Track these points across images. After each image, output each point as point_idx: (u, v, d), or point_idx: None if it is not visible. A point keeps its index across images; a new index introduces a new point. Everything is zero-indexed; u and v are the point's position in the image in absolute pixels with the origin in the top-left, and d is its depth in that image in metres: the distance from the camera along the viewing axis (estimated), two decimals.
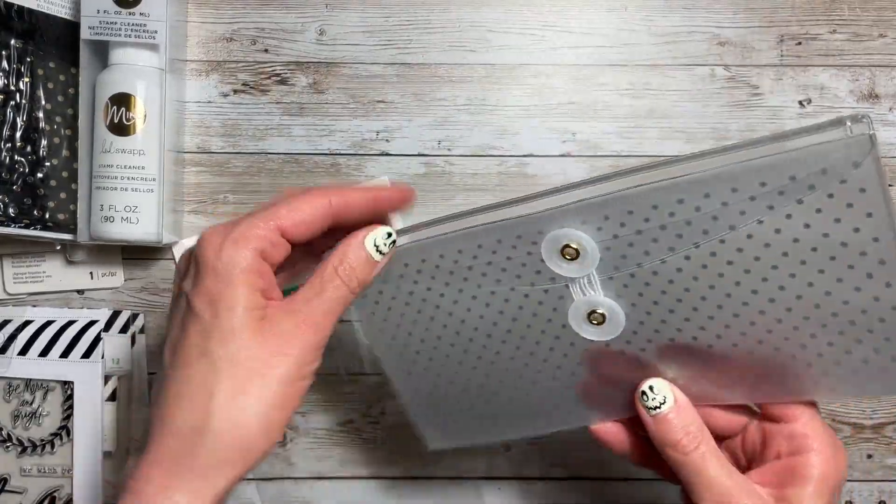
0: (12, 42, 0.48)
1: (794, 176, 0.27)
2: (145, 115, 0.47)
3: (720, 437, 0.37)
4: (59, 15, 0.49)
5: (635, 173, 0.30)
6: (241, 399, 0.30)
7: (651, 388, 0.34)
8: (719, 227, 0.29)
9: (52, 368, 0.50)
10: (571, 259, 0.32)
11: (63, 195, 0.50)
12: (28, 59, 0.48)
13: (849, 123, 0.26)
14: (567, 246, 0.32)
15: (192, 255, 0.32)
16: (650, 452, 0.37)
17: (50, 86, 0.49)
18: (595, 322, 0.34)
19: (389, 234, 0.34)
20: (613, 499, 0.53)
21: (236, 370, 0.30)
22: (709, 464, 0.33)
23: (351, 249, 0.33)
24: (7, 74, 0.48)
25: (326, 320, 0.32)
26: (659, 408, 0.34)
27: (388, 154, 0.52)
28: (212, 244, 0.31)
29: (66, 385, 0.50)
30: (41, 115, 0.49)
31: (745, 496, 0.32)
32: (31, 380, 0.50)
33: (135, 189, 0.47)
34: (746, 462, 0.37)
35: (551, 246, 0.32)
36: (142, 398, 0.52)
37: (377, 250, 0.33)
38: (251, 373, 0.30)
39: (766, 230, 0.29)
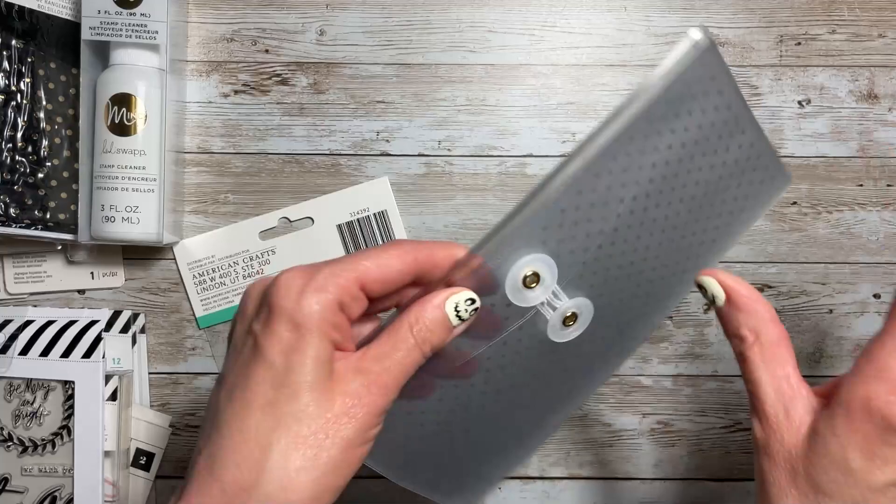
0: (13, 42, 0.48)
1: (671, 98, 0.30)
2: (146, 116, 0.47)
3: None
4: (59, 15, 0.49)
5: (553, 177, 0.30)
6: (297, 460, 0.28)
7: (700, 285, 0.35)
8: (644, 172, 0.32)
9: (52, 368, 0.50)
10: (534, 285, 0.32)
11: (64, 195, 0.50)
12: (29, 60, 0.48)
13: (691, 35, 0.30)
14: (526, 276, 0.31)
15: (263, 296, 0.30)
16: None
17: (51, 86, 0.49)
18: (569, 324, 0.34)
19: (472, 301, 0.31)
20: (614, 499, 0.53)
21: (299, 428, 0.28)
22: (759, 361, 0.34)
23: (429, 310, 0.30)
24: (8, 75, 0.48)
25: (395, 383, 0.30)
26: (714, 303, 0.35)
27: (388, 154, 0.52)
28: (291, 289, 0.29)
29: (67, 385, 0.50)
30: (42, 115, 0.49)
31: (798, 399, 0.33)
32: (31, 379, 0.51)
33: (135, 189, 0.47)
34: None
35: (513, 284, 0.32)
36: (142, 398, 0.52)
37: (457, 315, 0.31)
38: (314, 433, 0.28)
39: (676, 151, 0.31)
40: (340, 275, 0.30)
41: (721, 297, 0.34)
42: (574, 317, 0.34)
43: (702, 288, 0.35)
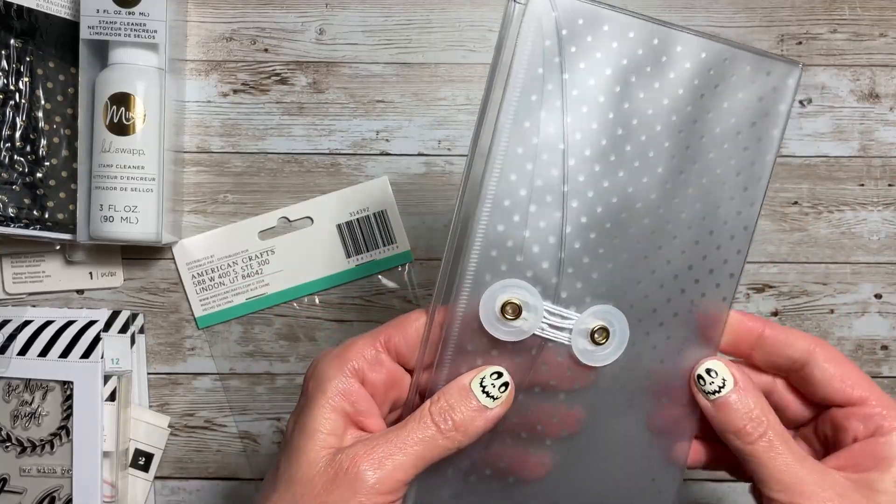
0: (12, 42, 0.48)
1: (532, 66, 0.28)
2: (145, 115, 0.47)
3: (791, 426, 0.34)
4: (58, 14, 0.49)
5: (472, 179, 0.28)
6: None
7: (708, 370, 0.30)
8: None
9: (51, 368, 0.50)
10: (513, 316, 0.28)
11: (62, 195, 0.49)
12: (28, 59, 0.48)
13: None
14: (504, 307, 0.28)
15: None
16: (715, 450, 0.34)
17: (49, 85, 0.49)
18: (602, 341, 0.30)
19: (500, 374, 0.29)
20: None
21: None
22: (777, 451, 0.29)
23: (453, 389, 0.28)
24: (6, 74, 0.48)
25: (405, 473, 0.27)
26: (719, 391, 0.30)
27: (388, 154, 0.52)
28: (314, 363, 0.30)
29: (66, 385, 0.50)
30: (41, 114, 0.49)
31: (821, 484, 0.28)
32: (30, 380, 0.50)
33: (134, 189, 0.47)
34: (822, 449, 0.33)
35: (491, 322, 0.28)
36: (141, 398, 0.52)
37: (484, 393, 0.28)
38: None
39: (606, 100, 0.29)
40: (358, 341, 0.29)
41: (731, 381, 0.30)
42: (604, 331, 0.29)
43: (701, 378, 0.31)
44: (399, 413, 0.32)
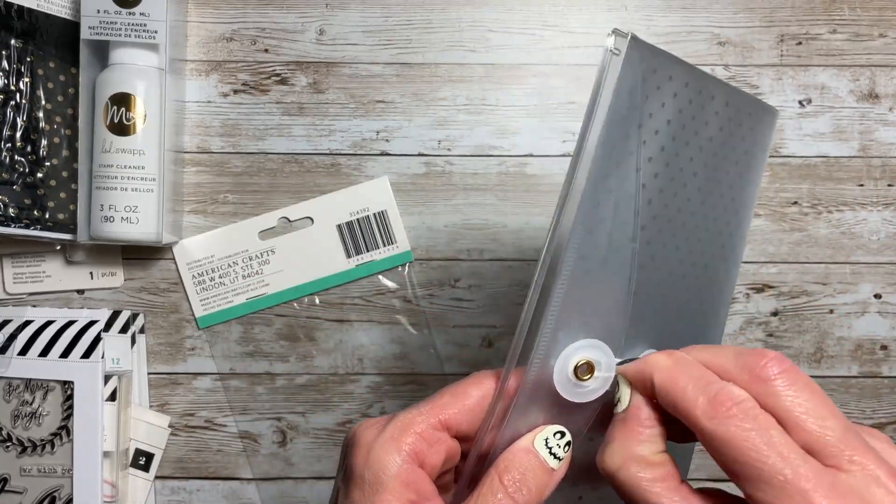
0: (12, 42, 0.48)
1: (619, 117, 0.27)
2: (145, 115, 0.47)
3: None
4: (59, 15, 0.49)
5: (553, 258, 0.27)
6: None
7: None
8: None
9: (52, 368, 0.50)
10: (588, 377, 0.28)
11: (63, 195, 0.50)
12: (28, 59, 0.48)
13: (606, 44, 0.27)
14: (577, 367, 0.27)
15: (344, 448, 0.28)
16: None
17: (50, 86, 0.49)
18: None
19: (562, 434, 0.27)
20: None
21: None
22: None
23: (519, 453, 0.27)
24: (7, 74, 0.48)
25: None
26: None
27: (388, 154, 0.52)
28: (362, 445, 0.27)
29: (66, 385, 0.50)
30: (41, 114, 0.49)
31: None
32: (30, 380, 0.50)
33: (135, 189, 0.47)
34: None
35: (565, 385, 0.28)
36: (141, 398, 0.52)
37: (551, 454, 0.27)
38: None
39: (659, 157, 0.29)
40: (414, 419, 0.27)
41: (624, 402, 0.28)
42: None
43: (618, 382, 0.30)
44: (451, 480, 0.30)
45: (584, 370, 0.27)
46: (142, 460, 0.52)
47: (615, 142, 0.27)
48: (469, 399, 0.28)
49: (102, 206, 0.47)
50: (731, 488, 0.26)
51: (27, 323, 0.51)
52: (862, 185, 0.53)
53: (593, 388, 0.28)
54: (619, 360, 0.28)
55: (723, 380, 0.25)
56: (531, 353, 0.27)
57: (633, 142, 0.27)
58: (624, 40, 0.26)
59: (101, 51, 0.48)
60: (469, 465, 0.29)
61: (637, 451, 0.26)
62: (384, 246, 0.52)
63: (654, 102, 0.28)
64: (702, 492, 0.25)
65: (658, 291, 0.30)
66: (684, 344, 0.29)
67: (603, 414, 0.29)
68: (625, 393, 0.27)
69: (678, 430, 0.28)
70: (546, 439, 0.27)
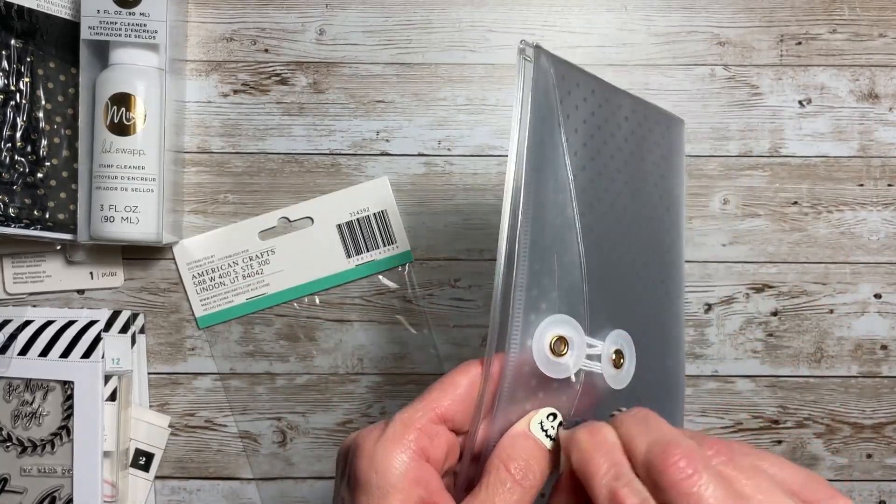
0: (12, 42, 0.48)
1: (538, 121, 0.30)
2: (145, 115, 0.47)
3: None
4: (59, 15, 0.49)
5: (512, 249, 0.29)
6: None
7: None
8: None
9: (52, 368, 0.50)
10: (565, 350, 0.29)
11: (63, 195, 0.50)
12: (28, 59, 0.48)
13: (517, 55, 0.31)
14: (552, 343, 0.29)
15: (346, 456, 0.28)
16: None
17: (50, 86, 0.49)
18: (621, 363, 0.31)
19: (554, 415, 0.28)
20: None
21: None
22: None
23: (518, 439, 0.27)
24: (7, 74, 0.48)
25: None
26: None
27: (388, 154, 0.52)
28: (365, 450, 0.27)
29: (66, 385, 0.50)
30: (41, 115, 0.49)
31: None
32: (31, 380, 0.50)
33: (135, 189, 0.47)
34: None
35: (544, 361, 0.29)
36: (141, 398, 0.52)
37: (546, 436, 0.28)
38: None
39: (582, 154, 0.32)
40: (412, 417, 0.27)
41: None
42: (620, 354, 0.31)
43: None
44: (452, 475, 0.31)
45: (560, 345, 0.29)
46: (142, 460, 0.52)
47: (543, 136, 0.29)
48: (459, 388, 0.28)
49: (102, 206, 0.47)
50: None
51: (27, 323, 0.51)
52: (862, 185, 0.53)
53: (571, 363, 0.29)
54: (590, 340, 0.30)
55: (633, 463, 0.25)
56: (507, 337, 0.28)
57: (558, 136, 0.30)
58: (531, 49, 0.30)
59: (102, 51, 0.48)
60: (466, 456, 0.29)
61: None
62: (384, 246, 0.52)
63: (569, 104, 0.31)
64: None
65: (610, 273, 0.32)
66: (647, 324, 0.32)
67: (585, 393, 0.30)
68: (563, 461, 0.28)
69: None
70: (541, 422, 0.28)
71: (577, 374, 0.29)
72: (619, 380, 0.31)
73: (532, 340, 0.28)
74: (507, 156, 0.52)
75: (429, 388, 0.29)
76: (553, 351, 0.29)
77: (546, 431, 0.28)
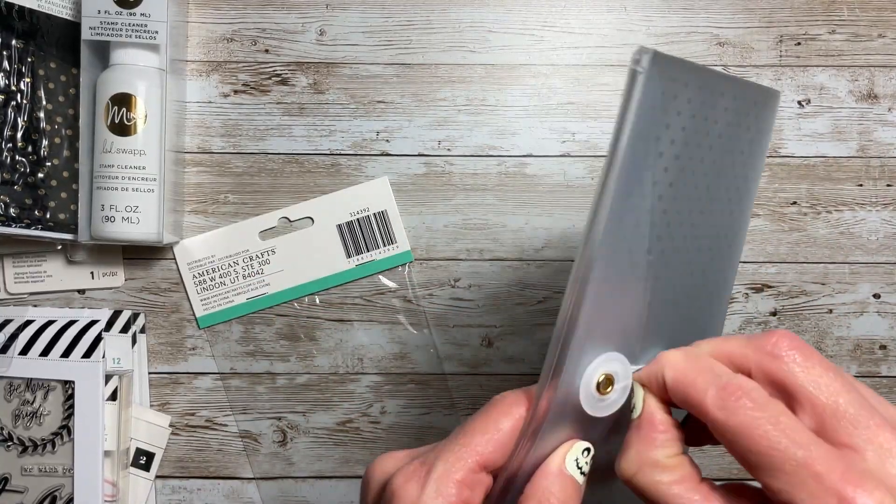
0: (13, 42, 0.48)
1: (641, 131, 0.27)
2: (146, 116, 0.47)
3: None
4: (60, 15, 0.49)
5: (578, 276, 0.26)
6: None
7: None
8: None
9: (52, 368, 0.50)
10: (609, 388, 0.27)
11: (64, 195, 0.50)
12: (29, 60, 0.48)
13: (631, 65, 0.27)
14: (599, 383, 0.27)
15: (381, 495, 0.27)
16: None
17: (51, 86, 0.49)
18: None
19: (589, 450, 0.27)
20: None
21: None
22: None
23: (553, 478, 0.26)
24: (8, 75, 0.48)
25: None
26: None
27: (388, 154, 0.52)
28: (393, 490, 0.26)
29: (67, 385, 0.50)
30: (42, 115, 0.49)
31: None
32: (31, 379, 0.51)
33: (135, 189, 0.47)
34: None
35: (590, 402, 0.27)
36: (142, 398, 0.52)
37: (581, 472, 0.27)
38: None
39: (674, 164, 0.29)
40: (456, 467, 0.26)
41: (638, 409, 0.28)
42: None
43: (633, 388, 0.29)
44: None
45: (605, 384, 0.27)
46: (142, 460, 0.52)
47: (637, 160, 0.27)
48: (500, 434, 0.27)
49: (103, 206, 0.47)
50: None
51: (28, 323, 0.51)
52: (861, 186, 0.53)
53: (614, 400, 0.28)
54: (635, 368, 0.28)
55: (735, 364, 0.25)
56: (560, 376, 0.26)
57: (652, 156, 0.27)
58: (647, 56, 0.25)
59: (102, 51, 0.48)
60: (497, 490, 0.28)
61: (652, 455, 0.26)
62: (384, 246, 0.52)
63: (671, 112, 0.28)
64: (723, 488, 0.25)
65: (672, 296, 0.30)
66: (693, 341, 0.29)
67: (617, 420, 0.29)
68: (638, 399, 0.27)
69: (695, 434, 0.28)
70: (576, 459, 0.27)
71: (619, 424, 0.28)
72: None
73: (581, 380, 0.27)
74: (507, 156, 0.52)
75: (470, 427, 0.27)
76: (599, 390, 0.27)
77: (580, 468, 0.27)
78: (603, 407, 0.28)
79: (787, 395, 0.24)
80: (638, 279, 0.28)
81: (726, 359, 0.25)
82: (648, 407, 0.27)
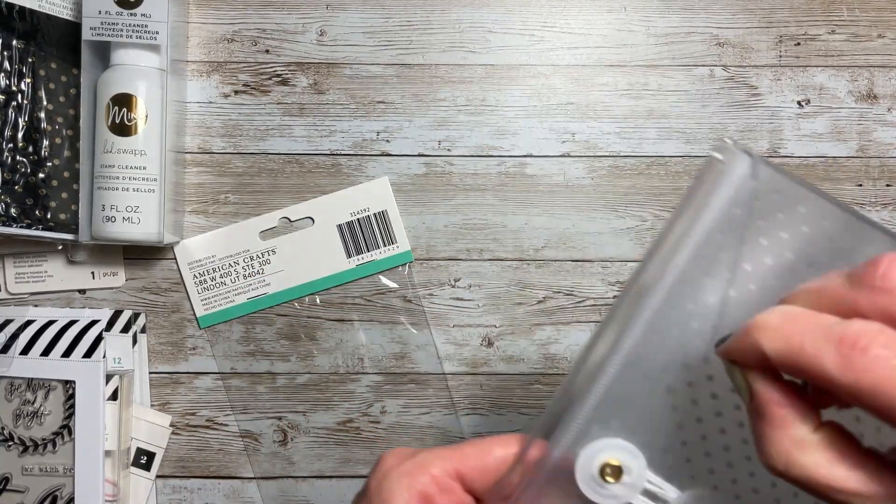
0: (14, 42, 0.48)
1: (724, 228, 0.25)
2: (146, 116, 0.47)
3: None
4: (60, 16, 0.49)
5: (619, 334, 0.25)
6: None
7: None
8: None
9: (53, 368, 0.50)
10: (612, 480, 0.26)
11: (64, 195, 0.50)
12: (30, 60, 0.48)
13: (722, 157, 0.25)
14: (604, 468, 0.25)
15: (374, 464, 0.28)
16: None
17: (51, 86, 0.49)
18: None
19: None
20: None
21: None
22: None
23: None
24: (9, 75, 0.48)
25: None
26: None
27: (388, 154, 0.53)
28: (381, 470, 0.27)
29: (68, 384, 0.50)
30: (43, 115, 0.49)
31: None
32: (32, 379, 0.51)
33: (136, 189, 0.47)
34: None
35: (586, 477, 0.26)
36: (142, 398, 0.53)
37: None
38: None
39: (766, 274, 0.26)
40: (434, 462, 0.26)
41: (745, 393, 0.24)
42: None
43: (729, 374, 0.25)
44: None
45: (611, 472, 0.25)
46: (143, 459, 0.52)
47: (706, 251, 0.24)
48: (490, 458, 0.26)
49: (104, 206, 0.47)
50: None
51: (29, 322, 0.51)
52: (861, 186, 0.53)
53: (616, 494, 0.26)
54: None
55: (842, 310, 0.20)
56: (560, 434, 0.25)
57: (730, 258, 0.25)
58: (733, 151, 0.24)
59: (103, 51, 0.48)
60: None
61: (794, 436, 0.21)
62: (384, 246, 0.52)
63: (771, 227, 0.25)
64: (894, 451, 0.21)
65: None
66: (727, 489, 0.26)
67: None
68: (739, 381, 0.23)
69: (820, 393, 0.23)
70: None
71: None
72: None
73: (582, 451, 0.25)
74: (507, 156, 0.52)
75: (468, 441, 0.27)
76: (602, 475, 0.25)
77: None
78: (603, 495, 0.26)
79: None
80: (682, 385, 0.25)
81: (830, 306, 0.21)
82: (756, 386, 0.22)
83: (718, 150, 0.24)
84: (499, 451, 0.26)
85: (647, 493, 0.26)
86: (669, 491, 0.26)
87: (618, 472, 0.25)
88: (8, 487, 0.50)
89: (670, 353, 0.25)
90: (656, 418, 0.26)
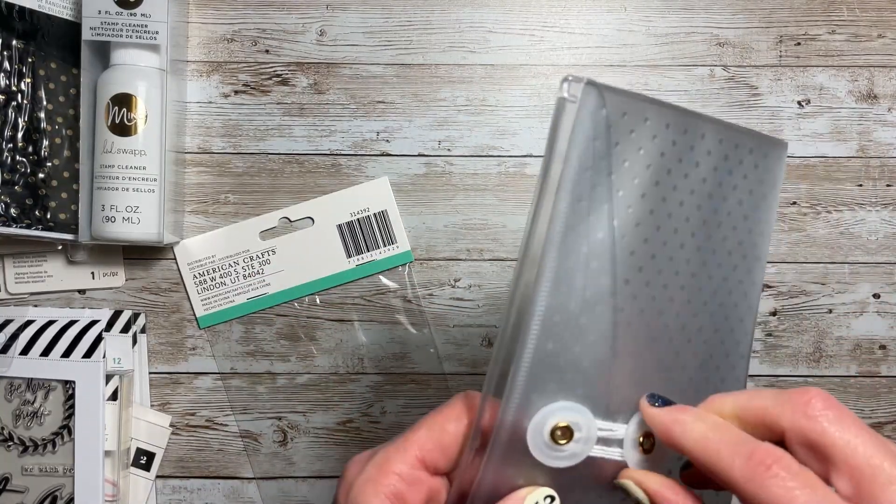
0: (14, 42, 0.48)
1: (585, 166, 0.25)
2: (146, 116, 0.47)
3: None
4: (60, 16, 0.49)
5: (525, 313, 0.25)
6: None
7: (622, 487, 0.28)
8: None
9: (53, 368, 0.50)
10: (566, 440, 0.26)
11: (64, 195, 0.50)
12: (29, 60, 0.48)
13: (560, 93, 0.25)
14: (555, 431, 0.26)
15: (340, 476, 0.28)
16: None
17: (51, 86, 0.49)
18: (648, 448, 0.28)
19: (552, 497, 0.26)
20: None
21: None
22: None
23: None
24: (9, 75, 0.48)
25: None
26: None
27: (388, 154, 0.52)
28: (346, 482, 0.26)
29: (68, 384, 0.50)
30: (42, 115, 0.49)
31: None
32: (32, 379, 0.51)
33: (136, 189, 0.47)
34: None
35: (540, 448, 0.26)
36: (142, 398, 0.53)
37: None
38: None
39: (639, 202, 0.27)
40: (394, 458, 0.26)
41: (645, 500, 0.26)
42: (650, 437, 0.27)
43: (624, 490, 0.27)
44: None
45: (562, 434, 0.26)
46: (143, 459, 0.52)
47: (581, 192, 0.25)
48: (446, 436, 0.27)
49: (104, 206, 0.47)
50: None
51: (29, 323, 0.51)
52: (861, 186, 0.53)
53: (572, 453, 0.26)
54: (601, 423, 0.26)
55: (765, 423, 0.24)
56: (503, 415, 0.25)
57: (604, 190, 0.26)
58: (578, 85, 0.24)
59: (103, 51, 0.48)
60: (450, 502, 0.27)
61: None
62: (384, 246, 0.52)
63: (629, 148, 0.26)
64: None
65: (652, 344, 0.28)
66: (696, 399, 0.27)
67: (597, 476, 0.27)
68: (639, 494, 0.26)
69: (700, 476, 0.27)
70: (537, 501, 0.26)
71: (585, 461, 0.27)
72: (645, 464, 0.27)
73: (530, 423, 0.25)
74: (507, 156, 0.52)
75: (419, 423, 0.27)
76: (554, 439, 0.26)
77: None
78: (559, 458, 0.26)
79: (822, 456, 0.23)
80: (600, 323, 0.26)
81: (755, 417, 0.24)
82: (654, 492, 0.26)
83: (566, 89, 0.25)
84: (452, 427, 0.27)
85: (602, 441, 0.27)
86: (619, 429, 0.27)
87: (568, 432, 0.26)
88: (8, 487, 0.50)
89: (581, 300, 0.26)
90: (586, 366, 0.26)
